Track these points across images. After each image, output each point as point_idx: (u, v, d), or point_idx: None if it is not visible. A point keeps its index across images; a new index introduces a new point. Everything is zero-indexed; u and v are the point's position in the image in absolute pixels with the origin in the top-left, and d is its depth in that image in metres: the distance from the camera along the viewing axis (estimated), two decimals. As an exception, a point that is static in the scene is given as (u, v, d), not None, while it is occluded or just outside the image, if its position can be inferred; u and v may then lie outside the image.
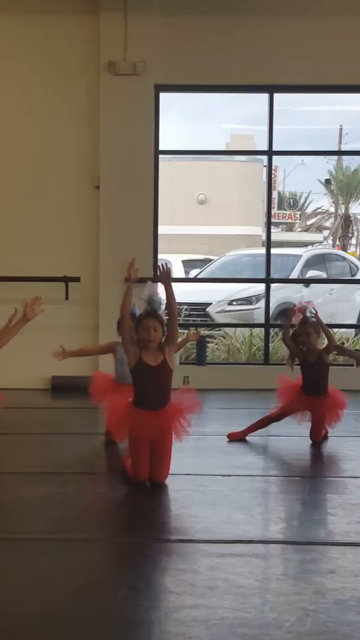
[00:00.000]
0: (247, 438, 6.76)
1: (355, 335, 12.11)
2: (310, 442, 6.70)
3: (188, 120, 24.61)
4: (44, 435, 7.04)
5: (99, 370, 7.83)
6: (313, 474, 6.10)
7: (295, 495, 5.40)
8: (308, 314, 6.67)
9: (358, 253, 29.52)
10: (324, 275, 14.81)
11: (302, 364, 6.76)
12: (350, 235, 32.88)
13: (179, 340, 6.03)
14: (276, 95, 9.91)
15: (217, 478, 5.58)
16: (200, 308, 13.11)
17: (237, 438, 6.75)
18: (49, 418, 7.97)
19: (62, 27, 9.65)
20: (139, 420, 5.34)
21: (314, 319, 6.69)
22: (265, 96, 9.94)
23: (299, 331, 6.72)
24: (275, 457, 6.62)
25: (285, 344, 6.94)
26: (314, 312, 6.70)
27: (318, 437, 6.72)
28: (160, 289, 5.53)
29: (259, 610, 3.44)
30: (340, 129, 29.87)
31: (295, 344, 6.77)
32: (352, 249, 31.07)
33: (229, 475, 5.63)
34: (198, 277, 15.46)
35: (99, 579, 3.89)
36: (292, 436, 6.89)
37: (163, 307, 5.49)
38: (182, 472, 5.59)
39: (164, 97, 9.89)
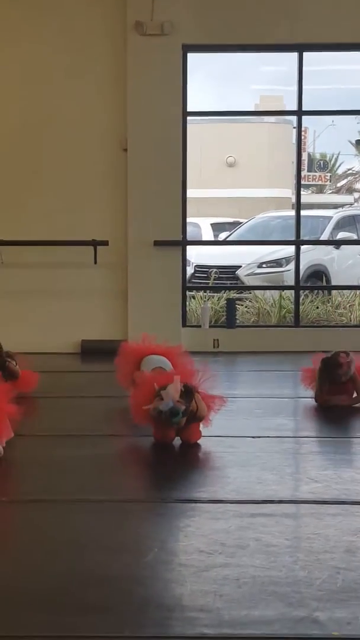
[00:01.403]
0: (273, 400, 6.67)
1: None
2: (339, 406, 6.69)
3: (214, 82, 24.31)
4: (73, 398, 7.08)
5: (130, 336, 7.81)
6: (343, 435, 6.08)
7: (325, 455, 5.40)
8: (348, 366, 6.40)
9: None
10: (354, 236, 14.68)
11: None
12: (381, 196, 32.49)
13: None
14: (305, 55, 9.77)
15: (247, 440, 5.59)
16: (229, 271, 13.06)
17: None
18: (79, 381, 8.01)
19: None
20: None
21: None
22: (294, 55, 9.81)
23: (335, 371, 6.43)
24: (305, 419, 6.61)
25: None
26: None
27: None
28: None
29: (289, 569, 3.46)
30: (371, 89, 29.40)
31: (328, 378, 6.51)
32: (383, 210, 30.72)
33: (259, 437, 5.64)
34: (227, 239, 15.39)
35: (130, 539, 3.93)
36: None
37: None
38: (212, 434, 5.60)
39: (190, 59, 9.78)
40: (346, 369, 6.36)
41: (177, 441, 5.45)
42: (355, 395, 6.49)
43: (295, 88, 9.90)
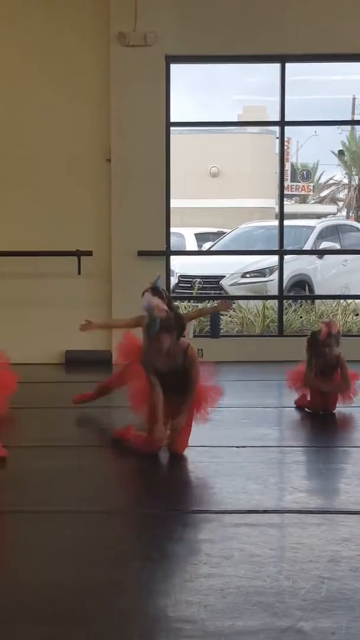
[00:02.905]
0: (259, 410, 6.75)
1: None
2: (323, 412, 6.72)
3: (196, 93, 24.40)
4: (58, 409, 7.06)
5: (115, 340, 7.80)
6: (327, 444, 6.09)
7: (309, 465, 5.41)
8: (333, 332, 6.55)
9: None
10: (337, 246, 14.74)
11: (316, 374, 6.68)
12: (363, 206, 32.68)
13: (208, 307, 5.88)
14: (288, 65, 9.82)
15: (231, 449, 5.60)
16: (213, 281, 13.10)
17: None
18: (63, 392, 7.99)
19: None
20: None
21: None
22: (276, 66, 9.85)
23: (322, 343, 6.57)
24: (289, 429, 6.62)
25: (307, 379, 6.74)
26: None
27: (331, 408, 6.72)
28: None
29: (274, 579, 3.46)
30: (354, 99, 29.59)
31: (316, 353, 6.64)
32: (365, 220, 30.88)
33: (244, 447, 5.65)
34: (211, 249, 15.42)
35: (115, 549, 3.92)
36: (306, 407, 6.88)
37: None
38: (197, 444, 5.60)
39: (172, 69, 9.80)
40: (332, 336, 6.45)
41: (163, 452, 5.45)
42: (341, 382, 6.56)
43: (277, 99, 9.95)
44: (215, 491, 4.73)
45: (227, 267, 13.18)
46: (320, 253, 13.95)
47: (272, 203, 22.24)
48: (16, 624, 3.11)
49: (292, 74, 10.03)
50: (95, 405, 6.71)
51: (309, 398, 6.74)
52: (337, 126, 30.16)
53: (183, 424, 5.39)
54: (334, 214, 29.80)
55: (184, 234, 16.88)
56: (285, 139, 11.93)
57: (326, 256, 13.92)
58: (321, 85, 24.87)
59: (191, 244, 16.82)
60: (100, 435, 6.21)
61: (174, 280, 12.54)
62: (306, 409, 6.72)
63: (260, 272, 13.13)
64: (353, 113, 29.44)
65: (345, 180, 34.01)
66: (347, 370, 6.61)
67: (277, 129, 10.70)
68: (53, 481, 4.95)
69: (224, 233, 16.60)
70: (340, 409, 6.76)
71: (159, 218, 9.68)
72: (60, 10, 9.59)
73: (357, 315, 9.98)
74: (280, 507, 4.53)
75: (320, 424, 6.57)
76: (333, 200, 33.74)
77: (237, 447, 5.65)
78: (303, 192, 32.61)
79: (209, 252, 15.20)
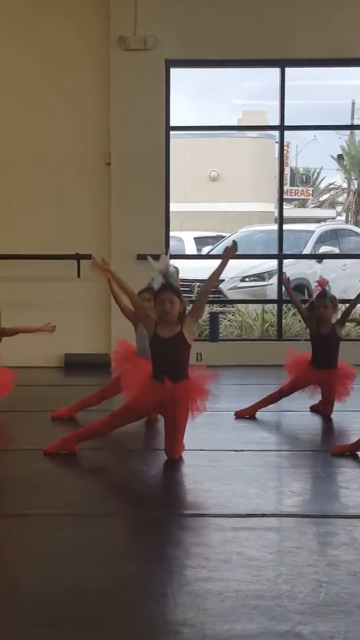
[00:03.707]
0: (258, 414, 6.77)
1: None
2: (321, 416, 6.73)
3: (195, 97, 24.42)
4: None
5: (114, 344, 7.83)
6: (325, 448, 6.09)
7: (307, 469, 5.41)
8: (327, 288, 6.69)
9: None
10: (336, 250, 14.75)
11: (314, 336, 6.76)
12: (363, 210, 32.68)
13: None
14: (287, 70, 9.84)
15: (229, 453, 5.60)
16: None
17: (245, 415, 6.75)
18: (62, 395, 7.99)
19: (72, 2, 9.60)
20: (150, 392, 5.36)
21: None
22: (276, 71, 9.87)
23: (316, 303, 6.73)
24: (287, 432, 6.63)
25: (300, 312, 6.98)
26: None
27: (328, 411, 6.73)
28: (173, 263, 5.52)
29: (272, 583, 3.46)
30: (353, 104, 29.62)
31: (310, 316, 6.79)
32: (365, 224, 30.89)
33: (242, 451, 5.65)
34: (210, 253, 15.42)
35: (114, 553, 3.92)
36: (304, 411, 6.89)
37: (177, 278, 5.48)
38: (195, 447, 5.60)
39: (171, 73, 9.81)
40: (326, 295, 6.64)
41: (161, 456, 5.45)
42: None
43: (277, 103, 9.96)
44: (213, 495, 4.73)
45: (226, 271, 13.03)
46: (320, 257, 13.96)
47: (272, 207, 22.25)
48: (16, 626, 3.11)
49: (292, 79, 10.05)
50: (94, 408, 6.70)
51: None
52: (337, 131, 30.25)
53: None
54: (333, 218, 29.81)
55: (184, 238, 16.90)
56: (285, 144, 11.95)
57: (325, 260, 13.91)
58: (321, 90, 24.89)
59: (190, 248, 16.83)
60: (99, 439, 6.20)
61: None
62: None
63: (260, 276, 13.14)
64: (352, 118, 29.48)
65: (345, 185, 34.01)
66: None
67: (276, 133, 10.72)
68: (51, 484, 4.95)
69: (224, 237, 16.60)
70: (337, 413, 6.77)
71: (159, 222, 9.70)
72: (61, 14, 9.62)
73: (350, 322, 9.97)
74: (279, 510, 4.53)
75: (318, 428, 6.57)
76: (332, 204, 33.74)
77: (235, 450, 5.65)
78: (302, 197, 32.63)
79: (208, 256, 15.19)
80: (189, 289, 13.11)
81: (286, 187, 27.99)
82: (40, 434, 6.31)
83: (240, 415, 6.75)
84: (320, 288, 6.73)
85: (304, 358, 6.81)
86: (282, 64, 9.80)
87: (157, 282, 5.67)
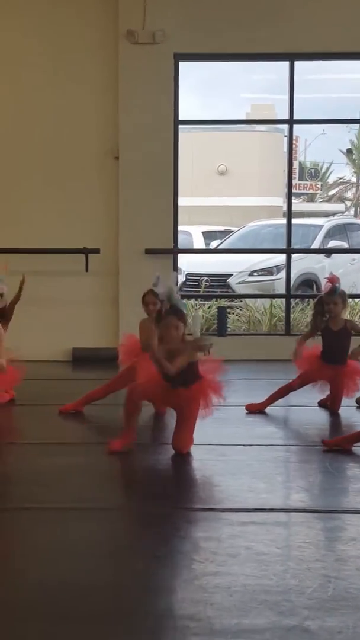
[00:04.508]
0: (267, 408, 6.76)
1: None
2: (329, 411, 6.72)
3: (203, 91, 24.36)
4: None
5: (122, 338, 7.82)
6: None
7: (316, 464, 5.39)
8: (337, 284, 6.67)
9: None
10: (345, 245, 14.71)
11: (324, 331, 6.74)
12: (372, 205, 32.63)
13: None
14: (297, 63, 9.80)
15: (238, 448, 5.59)
16: (220, 279, 13.09)
17: (256, 410, 6.74)
18: (70, 390, 7.99)
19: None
20: (160, 393, 5.38)
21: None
22: (285, 64, 9.83)
23: (326, 299, 6.70)
24: (296, 427, 6.62)
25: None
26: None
27: (336, 407, 6.72)
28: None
29: (280, 577, 3.45)
30: (362, 98, 29.49)
31: (321, 312, 6.75)
32: (374, 219, 30.81)
33: (250, 445, 5.64)
34: (218, 248, 15.41)
35: (121, 547, 3.92)
36: (312, 406, 6.88)
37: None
38: (204, 442, 5.60)
39: (180, 66, 9.78)
40: (336, 291, 6.58)
41: (168, 450, 5.45)
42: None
43: (286, 97, 9.92)
44: (221, 489, 4.73)
45: (235, 266, 13.17)
46: (328, 252, 13.92)
47: (280, 201, 22.22)
48: (22, 621, 3.11)
49: (301, 72, 10.00)
50: (101, 402, 6.71)
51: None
52: (346, 125, 30.14)
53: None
54: (342, 213, 29.75)
55: (192, 232, 16.89)
56: (294, 137, 11.91)
57: (334, 255, 13.88)
58: (330, 84, 24.80)
59: (199, 242, 16.82)
60: (105, 433, 6.19)
61: (181, 278, 12.55)
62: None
63: (268, 271, 13.12)
64: (362, 112, 29.36)
65: (354, 179, 33.94)
66: None
67: (285, 127, 10.68)
68: (58, 478, 4.95)
69: (232, 231, 16.58)
70: (345, 408, 6.76)
71: (167, 216, 9.67)
72: (69, 8, 9.59)
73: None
74: (287, 505, 4.52)
75: (326, 423, 6.55)
76: (341, 198, 33.68)
77: (243, 445, 5.65)
78: (311, 191, 32.57)
79: (216, 251, 15.19)
80: (197, 283, 13.12)
81: (295, 182, 27.94)
82: (49, 428, 6.31)
83: (251, 409, 6.73)
84: (330, 285, 6.70)
85: (314, 352, 6.79)
86: (292, 57, 9.75)
87: (160, 283, 5.66)
